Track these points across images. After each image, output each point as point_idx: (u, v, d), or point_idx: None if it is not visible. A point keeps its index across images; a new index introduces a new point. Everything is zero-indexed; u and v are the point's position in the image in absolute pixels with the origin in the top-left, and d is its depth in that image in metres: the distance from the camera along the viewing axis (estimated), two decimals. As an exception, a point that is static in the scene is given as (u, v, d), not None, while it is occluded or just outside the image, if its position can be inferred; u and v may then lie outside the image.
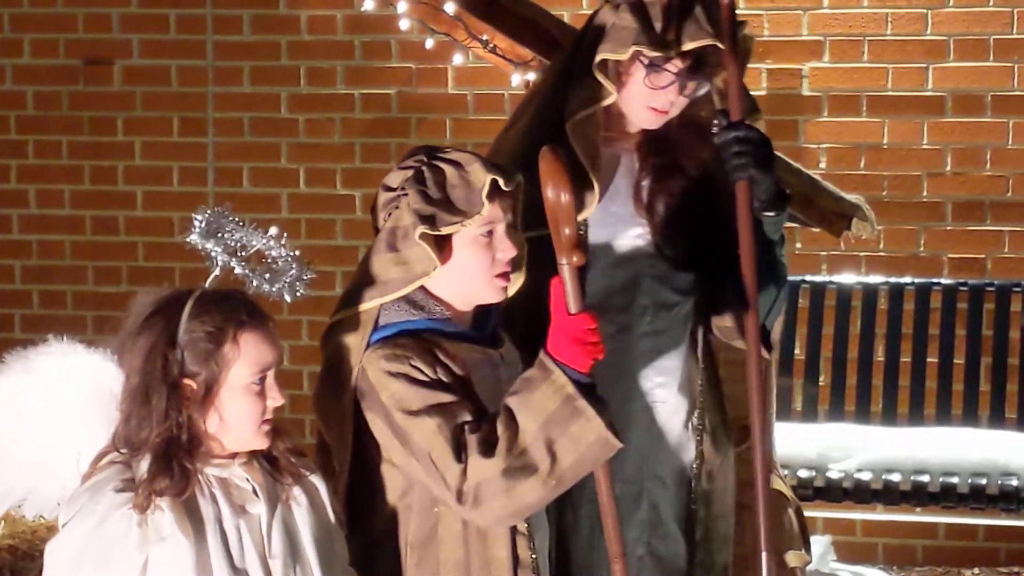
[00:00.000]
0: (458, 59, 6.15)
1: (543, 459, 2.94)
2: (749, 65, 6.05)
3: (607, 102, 3.39)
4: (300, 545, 2.90)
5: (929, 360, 5.99)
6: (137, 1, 6.75)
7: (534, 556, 3.14)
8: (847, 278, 6.17)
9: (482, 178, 3.06)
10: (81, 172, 6.82)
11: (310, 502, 2.93)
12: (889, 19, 6.29)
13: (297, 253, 3.01)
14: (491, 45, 5.12)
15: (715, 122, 3.42)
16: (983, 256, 6.27)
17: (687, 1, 3.35)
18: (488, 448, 2.95)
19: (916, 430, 5.80)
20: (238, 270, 2.94)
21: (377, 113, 6.62)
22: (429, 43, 5.57)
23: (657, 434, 3.55)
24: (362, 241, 6.39)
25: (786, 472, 4.77)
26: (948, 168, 6.28)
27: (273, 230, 2.99)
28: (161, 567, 2.77)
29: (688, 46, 3.33)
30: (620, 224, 3.48)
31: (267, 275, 2.97)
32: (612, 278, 3.47)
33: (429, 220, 3.05)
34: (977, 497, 5.45)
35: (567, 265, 2.98)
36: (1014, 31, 6.21)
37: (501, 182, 3.06)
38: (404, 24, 5.75)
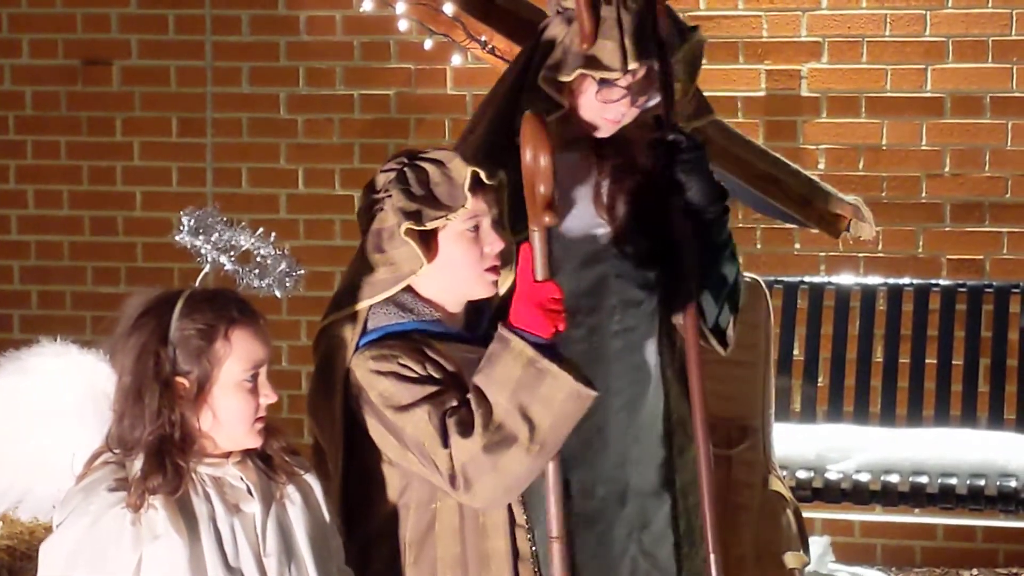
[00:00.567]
0: (457, 60, 6.16)
1: (521, 428, 2.95)
2: (748, 66, 6.06)
3: (558, 114, 3.44)
4: (295, 544, 2.89)
5: (928, 361, 5.99)
6: (136, 2, 6.74)
7: (534, 548, 3.14)
8: (846, 279, 6.16)
9: (464, 172, 3.08)
10: (80, 172, 6.81)
11: (304, 500, 2.93)
12: (888, 20, 6.28)
13: (286, 250, 3.02)
14: (490, 46, 5.12)
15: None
16: (982, 257, 6.26)
17: (637, 17, 3.38)
18: (466, 429, 2.96)
19: (915, 431, 5.80)
20: (228, 267, 2.95)
21: (376, 114, 6.61)
22: (428, 44, 5.57)
23: (635, 432, 3.56)
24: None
25: (784, 473, 4.76)
26: (947, 169, 6.27)
27: (260, 230, 2.99)
28: (155, 566, 2.76)
29: (634, 66, 3.39)
30: (583, 226, 3.53)
31: (256, 271, 2.97)
32: (580, 280, 3.50)
33: (414, 216, 3.06)
34: (976, 498, 5.44)
35: (537, 231, 3.01)
36: (1013, 32, 6.20)
37: (483, 175, 3.08)
38: (403, 25, 5.75)
